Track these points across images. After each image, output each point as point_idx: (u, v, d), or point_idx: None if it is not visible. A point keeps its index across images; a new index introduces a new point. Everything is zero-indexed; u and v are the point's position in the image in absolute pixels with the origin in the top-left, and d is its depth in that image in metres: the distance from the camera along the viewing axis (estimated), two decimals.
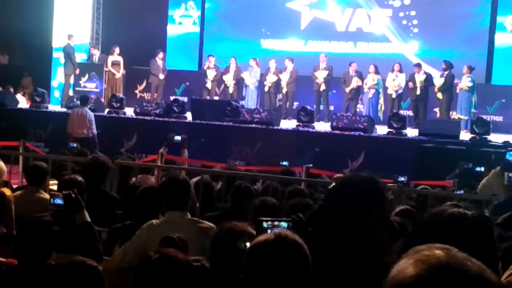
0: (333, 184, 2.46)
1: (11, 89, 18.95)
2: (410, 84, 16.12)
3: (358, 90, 16.81)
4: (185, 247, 3.66)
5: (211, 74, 17.98)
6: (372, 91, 16.48)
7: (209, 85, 18.01)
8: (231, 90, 17.94)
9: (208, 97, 17.89)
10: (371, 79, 16.48)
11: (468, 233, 2.16)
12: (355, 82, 16.63)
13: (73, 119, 14.19)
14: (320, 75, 17.00)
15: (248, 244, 2.51)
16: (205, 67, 18.32)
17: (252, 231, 3.06)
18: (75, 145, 11.53)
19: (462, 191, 8.49)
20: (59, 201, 4.52)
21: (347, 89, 16.72)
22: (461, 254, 1.30)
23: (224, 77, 17.99)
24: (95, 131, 14.23)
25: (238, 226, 3.18)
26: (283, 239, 2.28)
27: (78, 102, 15.27)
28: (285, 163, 10.50)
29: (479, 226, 2.21)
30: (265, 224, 3.25)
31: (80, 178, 5.52)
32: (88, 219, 4.45)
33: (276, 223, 3.39)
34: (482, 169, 10.42)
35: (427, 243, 1.36)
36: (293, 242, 2.28)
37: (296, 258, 2.25)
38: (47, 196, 5.67)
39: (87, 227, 4.40)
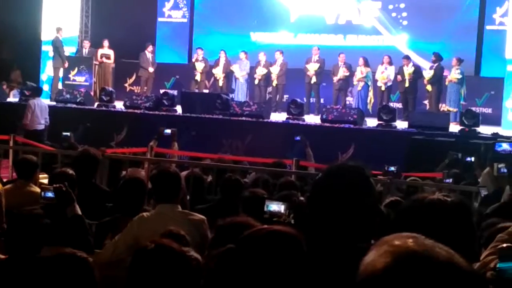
0: (320, 174, 2.44)
1: (4, 85, 18.89)
2: (399, 77, 16.17)
3: (347, 81, 16.85)
4: (186, 243, 3.65)
5: (199, 66, 17.96)
6: (361, 83, 16.51)
7: (198, 77, 17.99)
8: (220, 83, 17.93)
9: (197, 90, 17.88)
10: (360, 71, 16.51)
11: (448, 218, 2.19)
12: (342, 73, 16.67)
13: (35, 111, 13.87)
14: (312, 68, 17.01)
15: None
16: (193, 60, 18.30)
17: (255, 223, 3.04)
18: (68, 134, 11.54)
19: (450, 180, 8.53)
20: (50, 194, 4.51)
21: (335, 79, 16.75)
22: (429, 241, 1.29)
23: (214, 70, 17.97)
24: (48, 121, 14.22)
25: (241, 218, 3.20)
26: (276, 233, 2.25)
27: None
28: None
29: (458, 212, 2.24)
30: (267, 202, 3.39)
31: (71, 171, 5.53)
32: (79, 212, 4.44)
33: (275, 201, 3.54)
34: (473, 159, 10.46)
35: (408, 230, 1.36)
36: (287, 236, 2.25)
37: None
38: (37, 189, 5.67)
39: (78, 220, 4.39)
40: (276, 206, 3.68)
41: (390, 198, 5.68)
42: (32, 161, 6.38)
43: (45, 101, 15.28)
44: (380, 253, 1.28)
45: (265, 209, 3.68)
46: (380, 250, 1.29)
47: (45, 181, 6.12)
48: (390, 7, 18.36)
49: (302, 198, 3.52)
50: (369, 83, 16.57)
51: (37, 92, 14.69)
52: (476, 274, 1.29)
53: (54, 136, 12.64)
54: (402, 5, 18.24)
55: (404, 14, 18.25)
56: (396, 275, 1.23)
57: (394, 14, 18.36)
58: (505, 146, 8.54)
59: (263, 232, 2.23)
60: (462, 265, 1.25)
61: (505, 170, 6.96)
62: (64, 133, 11.62)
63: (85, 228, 4.44)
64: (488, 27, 17.34)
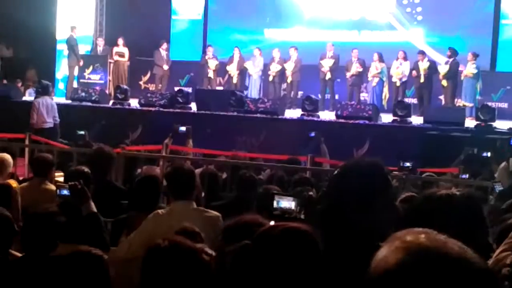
0: (337, 170, 2.42)
1: (19, 83, 19.00)
2: (414, 72, 16.09)
3: (361, 77, 16.79)
4: (200, 239, 3.64)
5: (213, 63, 17.98)
6: (376, 79, 16.44)
7: (211, 74, 18.02)
8: (234, 80, 17.93)
9: (209, 87, 17.89)
10: (374, 67, 16.44)
11: (457, 212, 2.18)
12: (355, 68, 16.63)
13: (39, 109, 13.76)
14: (326, 64, 16.97)
15: None
16: (206, 57, 18.29)
17: (263, 221, 3.05)
18: (83, 132, 11.59)
19: (466, 175, 8.49)
20: (65, 192, 4.54)
21: (348, 75, 16.71)
22: (441, 236, 1.28)
23: (228, 67, 17.97)
24: (58, 119, 14.08)
25: (249, 217, 3.19)
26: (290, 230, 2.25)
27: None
28: None
29: (467, 205, 2.23)
30: (276, 198, 3.32)
31: (86, 169, 5.56)
32: (94, 209, 4.46)
33: (286, 197, 3.45)
34: (489, 154, 10.39)
35: (420, 225, 1.36)
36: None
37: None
38: (53, 187, 5.70)
39: (93, 217, 4.41)
40: (286, 202, 3.61)
41: (405, 194, 5.66)
42: (48, 159, 6.42)
43: (58, 99, 15.33)
44: (392, 249, 1.27)
45: (275, 205, 3.60)
46: (392, 246, 1.28)
47: (61, 179, 6.15)
48: (405, 2, 18.28)
49: (311, 193, 3.48)
50: (384, 78, 16.50)
51: (44, 90, 14.60)
52: (489, 270, 1.29)
53: (69, 135, 12.69)
54: (416, 0, 18.15)
55: (419, 9, 18.16)
56: (408, 271, 1.23)
57: (408, 9, 18.27)
58: None
59: (278, 229, 2.24)
60: (475, 261, 1.24)
61: None
62: (79, 132, 11.67)
63: (101, 225, 4.46)
64: (503, 22, 17.21)
